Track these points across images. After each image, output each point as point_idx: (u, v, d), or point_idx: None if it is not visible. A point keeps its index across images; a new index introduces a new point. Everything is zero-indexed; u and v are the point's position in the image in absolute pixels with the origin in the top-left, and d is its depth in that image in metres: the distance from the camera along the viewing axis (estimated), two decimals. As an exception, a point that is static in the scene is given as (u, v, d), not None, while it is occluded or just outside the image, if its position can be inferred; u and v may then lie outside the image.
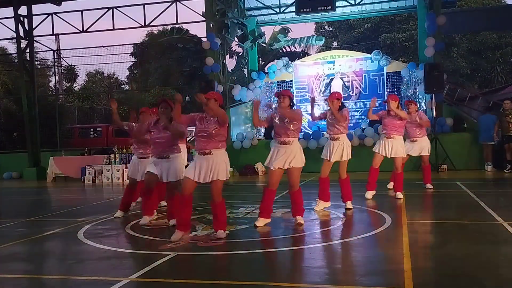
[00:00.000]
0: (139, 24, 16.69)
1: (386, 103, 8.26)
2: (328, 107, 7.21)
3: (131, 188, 7.46)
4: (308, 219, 6.52)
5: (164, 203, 8.11)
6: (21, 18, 17.21)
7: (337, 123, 7.15)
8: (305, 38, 21.42)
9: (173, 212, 6.13)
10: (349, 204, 7.27)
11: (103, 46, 20.70)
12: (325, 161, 7.33)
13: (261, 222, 6.10)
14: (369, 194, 8.24)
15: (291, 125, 6.04)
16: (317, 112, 7.80)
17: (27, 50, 17.75)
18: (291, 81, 17.12)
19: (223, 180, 5.47)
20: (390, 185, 9.24)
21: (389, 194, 8.67)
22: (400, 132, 8.25)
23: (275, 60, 19.18)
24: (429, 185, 9.42)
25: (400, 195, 8.13)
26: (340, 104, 7.14)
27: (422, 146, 9.22)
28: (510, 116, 12.27)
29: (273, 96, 17.25)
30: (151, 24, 17.10)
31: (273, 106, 6.83)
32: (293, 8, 15.28)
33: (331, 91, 16.27)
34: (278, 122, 6.14)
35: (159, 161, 6.26)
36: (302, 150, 6.18)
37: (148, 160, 7.08)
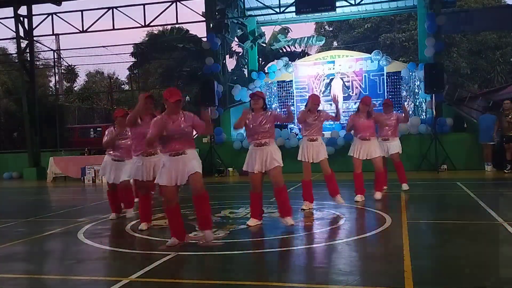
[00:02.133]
0: (139, 24, 16.69)
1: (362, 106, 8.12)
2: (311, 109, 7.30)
3: (113, 190, 7.30)
4: (307, 219, 6.53)
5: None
6: (21, 18, 17.20)
7: (319, 124, 7.30)
8: (305, 38, 21.44)
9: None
10: (339, 198, 7.28)
11: (103, 46, 20.73)
12: (305, 163, 7.26)
13: (252, 222, 6.17)
14: (359, 197, 7.99)
15: (267, 126, 5.96)
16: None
17: (27, 50, 17.75)
18: (291, 81, 17.12)
19: (200, 172, 5.12)
20: (405, 186, 9.03)
21: (389, 194, 8.65)
22: (374, 134, 8.13)
23: (275, 60, 19.17)
24: (405, 185, 8.93)
25: (378, 195, 7.97)
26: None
27: (390, 146, 8.85)
28: (510, 116, 12.27)
29: (273, 97, 17.27)
30: (151, 24, 17.12)
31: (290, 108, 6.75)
32: (293, 8, 15.28)
33: (331, 92, 16.37)
34: (253, 124, 6.01)
35: (147, 160, 6.15)
36: (279, 149, 6.10)
37: (124, 163, 7.02)
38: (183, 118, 5.13)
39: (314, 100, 7.33)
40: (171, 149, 5.05)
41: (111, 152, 7.24)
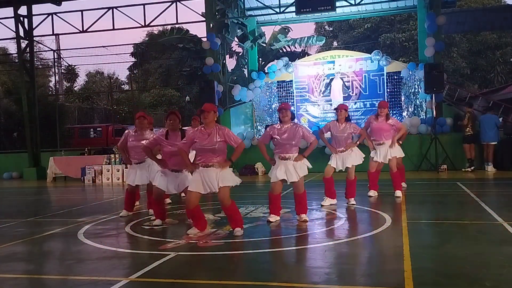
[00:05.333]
0: (139, 24, 16.69)
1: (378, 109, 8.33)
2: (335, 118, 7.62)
3: (131, 191, 7.44)
4: (308, 219, 6.53)
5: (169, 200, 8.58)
6: (21, 18, 17.20)
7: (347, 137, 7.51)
8: (305, 38, 21.42)
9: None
10: (352, 201, 7.59)
11: (103, 46, 20.73)
12: (330, 165, 7.59)
13: (273, 218, 6.36)
14: (372, 193, 8.43)
15: (294, 141, 6.13)
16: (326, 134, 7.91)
17: (27, 50, 17.75)
18: (291, 81, 17.11)
19: (229, 186, 5.52)
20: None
21: (388, 194, 8.64)
22: (389, 137, 8.29)
23: (275, 60, 19.16)
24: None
25: (398, 193, 8.25)
26: (347, 115, 7.56)
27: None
28: (466, 118, 12.71)
29: (272, 97, 17.28)
30: (151, 24, 17.11)
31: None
32: (293, 8, 15.27)
33: (331, 92, 16.37)
34: (279, 140, 6.16)
35: (171, 174, 6.24)
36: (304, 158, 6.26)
37: (145, 164, 7.17)
38: (216, 133, 5.43)
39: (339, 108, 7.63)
40: (202, 161, 5.45)
41: (133, 157, 7.30)
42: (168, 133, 6.22)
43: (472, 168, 12.63)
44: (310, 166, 6.29)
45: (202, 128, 5.51)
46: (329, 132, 7.70)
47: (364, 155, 7.77)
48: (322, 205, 7.53)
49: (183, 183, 6.21)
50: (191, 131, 5.71)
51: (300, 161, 6.15)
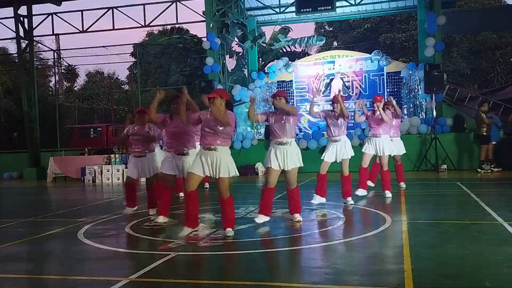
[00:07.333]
0: (139, 24, 16.70)
1: (373, 103, 8.43)
2: (332, 108, 7.44)
3: (130, 185, 7.44)
4: (307, 219, 6.53)
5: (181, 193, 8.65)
6: (21, 18, 17.20)
7: (342, 123, 7.45)
8: (305, 38, 21.40)
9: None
10: (349, 200, 7.56)
11: (103, 46, 20.71)
12: (325, 161, 7.60)
13: (260, 218, 6.19)
14: (360, 192, 8.35)
15: (287, 124, 6.09)
16: (316, 109, 7.92)
17: (27, 50, 17.75)
18: (291, 81, 17.11)
19: (229, 177, 5.50)
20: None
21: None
22: (386, 131, 8.40)
23: (275, 60, 19.15)
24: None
25: (388, 193, 8.29)
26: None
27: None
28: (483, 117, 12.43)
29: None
30: (151, 24, 17.13)
31: (270, 100, 6.69)
32: (293, 8, 15.29)
33: (331, 92, 16.36)
34: (275, 122, 6.18)
35: (178, 158, 6.24)
36: (299, 149, 6.30)
37: (146, 158, 7.21)
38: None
39: (333, 99, 7.57)
40: (204, 142, 5.46)
41: (133, 149, 7.33)
42: (172, 117, 6.34)
43: (491, 169, 12.32)
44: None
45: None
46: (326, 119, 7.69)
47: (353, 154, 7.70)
48: (312, 203, 7.49)
49: (186, 168, 6.14)
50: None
51: (296, 147, 6.20)
